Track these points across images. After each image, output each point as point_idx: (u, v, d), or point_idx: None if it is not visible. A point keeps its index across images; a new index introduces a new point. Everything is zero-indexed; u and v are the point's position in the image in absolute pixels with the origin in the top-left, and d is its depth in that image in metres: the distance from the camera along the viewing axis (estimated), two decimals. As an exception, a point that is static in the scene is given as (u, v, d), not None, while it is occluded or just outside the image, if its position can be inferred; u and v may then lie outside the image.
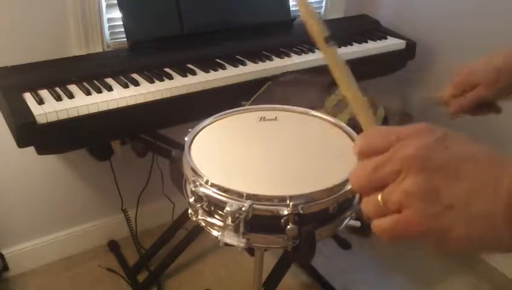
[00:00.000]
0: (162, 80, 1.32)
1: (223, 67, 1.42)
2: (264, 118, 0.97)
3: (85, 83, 1.28)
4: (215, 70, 1.40)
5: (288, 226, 0.71)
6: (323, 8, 2.01)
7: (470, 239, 0.36)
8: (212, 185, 0.75)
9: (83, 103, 1.18)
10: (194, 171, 0.78)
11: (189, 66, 1.42)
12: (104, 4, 1.49)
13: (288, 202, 0.71)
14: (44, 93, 1.22)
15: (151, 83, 1.31)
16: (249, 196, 0.72)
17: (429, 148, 0.37)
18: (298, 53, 1.58)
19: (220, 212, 0.75)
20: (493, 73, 0.77)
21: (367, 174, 0.39)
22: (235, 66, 1.44)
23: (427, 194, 0.36)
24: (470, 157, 0.37)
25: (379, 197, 0.38)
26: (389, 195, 0.38)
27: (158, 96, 1.28)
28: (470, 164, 0.37)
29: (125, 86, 1.28)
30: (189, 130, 0.91)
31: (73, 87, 1.26)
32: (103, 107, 1.20)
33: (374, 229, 0.40)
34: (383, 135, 0.40)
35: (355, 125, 0.97)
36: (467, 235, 0.36)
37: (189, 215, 0.81)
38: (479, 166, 0.37)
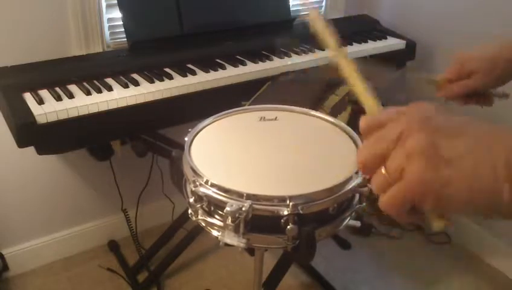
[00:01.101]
0: (162, 80, 1.32)
1: (223, 67, 1.42)
2: (264, 118, 0.97)
3: (85, 83, 1.28)
4: (215, 70, 1.40)
5: (288, 227, 0.71)
6: (323, 8, 2.01)
7: (470, 192, 0.36)
8: (212, 185, 0.75)
9: (83, 103, 1.18)
10: (194, 171, 0.78)
11: (189, 66, 1.42)
12: (104, 4, 1.49)
13: (288, 202, 0.71)
14: (44, 93, 1.22)
15: (151, 83, 1.31)
16: (249, 196, 0.72)
17: (428, 113, 0.39)
18: (298, 53, 1.58)
19: (220, 212, 0.75)
20: (489, 61, 0.78)
21: (370, 146, 0.40)
22: (235, 66, 1.44)
23: (427, 150, 0.37)
24: (468, 121, 0.39)
25: (383, 169, 0.39)
26: (391, 161, 0.38)
27: (158, 96, 1.28)
28: (469, 125, 0.38)
29: (125, 86, 1.28)
30: (189, 130, 0.91)
31: (73, 87, 1.26)
32: (103, 107, 1.20)
33: (381, 207, 0.39)
34: (385, 112, 0.42)
35: (355, 125, 0.97)
36: (467, 188, 0.36)
37: (189, 216, 0.81)
38: (477, 127, 0.38)
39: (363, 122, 0.42)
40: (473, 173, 0.36)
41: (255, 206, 0.71)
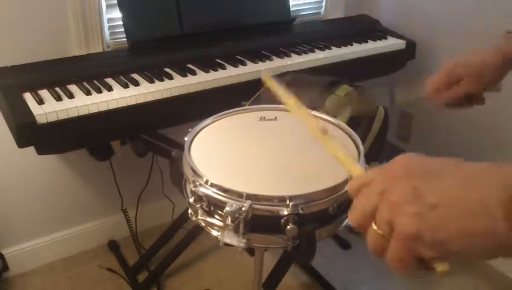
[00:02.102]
0: (162, 80, 1.32)
1: (223, 67, 1.42)
2: (264, 118, 0.97)
3: (85, 83, 1.28)
4: (215, 70, 1.40)
5: (288, 226, 0.71)
6: (323, 8, 2.01)
7: (463, 234, 0.35)
8: (212, 185, 0.75)
9: (83, 103, 1.18)
10: (194, 171, 0.78)
11: (189, 66, 1.42)
12: (104, 4, 1.49)
13: (288, 202, 0.71)
14: (44, 93, 1.22)
15: (151, 83, 1.31)
16: (249, 196, 0.72)
17: (409, 161, 0.40)
18: (298, 53, 1.58)
19: (219, 212, 0.75)
20: (478, 67, 0.78)
21: (359, 205, 0.42)
22: (235, 66, 1.44)
23: (410, 198, 0.37)
24: (450, 162, 0.39)
25: (373, 225, 0.40)
26: (379, 216, 0.39)
27: (158, 96, 1.28)
28: (451, 166, 0.38)
29: (125, 86, 1.28)
30: (189, 130, 0.91)
31: (73, 87, 1.26)
32: (103, 107, 1.20)
33: (392, 269, 0.40)
34: (369, 172, 0.44)
35: (355, 126, 0.97)
36: (458, 230, 0.35)
37: (189, 216, 0.81)
38: (460, 168, 0.38)
39: (350, 185, 0.44)
40: (462, 215, 0.35)
41: (254, 206, 0.71)
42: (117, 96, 1.23)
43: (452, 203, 0.35)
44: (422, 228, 0.36)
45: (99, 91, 1.24)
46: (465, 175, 0.37)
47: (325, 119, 0.96)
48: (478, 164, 0.37)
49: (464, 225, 0.34)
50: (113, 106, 1.22)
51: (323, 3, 2.00)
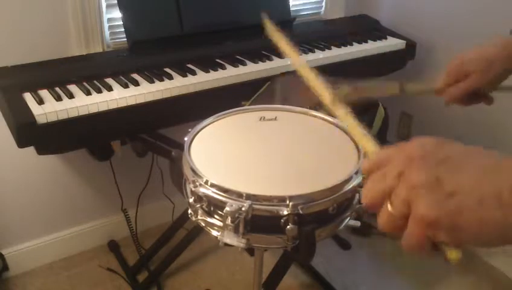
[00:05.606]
0: (162, 80, 1.32)
1: (223, 67, 1.42)
2: (264, 118, 0.97)
3: (85, 83, 1.28)
4: (215, 70, 1.40)
5: (288, 227, 0.71)
6: (323, 8, 2.01)
7: (480, 222, 0.36)
8: (212, 185, 0.75)
9: (83, 103, 1.18)
10: (194, 171, 0.78)
11: (189, 66, 1.42)
12: (104, 4, 1.49)
13: (287, 202, 0.71)
14: (44, 93, 1.22)
15: (151, 83, 1.31)
16: (249, 196, 0.72)
17: (428, 147, 0.40)
18: (298, 53, 1.58)
19: (219, 212, 0.75)
20: (485, 62, 0.78)
21: (374, 185, 0.41)
22: (235, 66, 1.44)
23: (430, 183, 0.37)
24: (469, 152, 0.39)
25: (388, 205, 0.40)
26: (396, 196, 0.39)
27: (158, 96, 1.28)
28: (470, 157, 0.39)
29: (125, 86, 1.28)
30: (189, 130, 0.91)
31: (73, 87, 1.26)
32: (103, 107, 1.20)
33: (406, 250, 0.40)
34: (384, 151, 0.43)
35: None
36: (476, 219, 0.36)
37: (189, 216, 0.81)
38: (479, 157, 0.39)
39: (364, 164, 0.44)
40: (478, 204, 0.36)
41: (254, 206, 0.71)
42: (117, 96, 1.23)
43: (469, 192, 0.36)
44: (440, 214, 0.37)
45: (99, 91, 1.24)
46: (483, 166, 0.38)
47: (325, 119, 0.96)
48: (495, 155, 0.38)
49: (479, 214, 0.36)
50: (113, 106, 1.22)
51: (323, 3, 2.00)
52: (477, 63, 0.78)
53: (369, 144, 0.51)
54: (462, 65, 0.80)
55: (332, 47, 1.66)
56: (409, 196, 0.38)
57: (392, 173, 0.40)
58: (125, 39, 1.46)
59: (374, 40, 1.78)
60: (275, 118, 0.97)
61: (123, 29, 1.46)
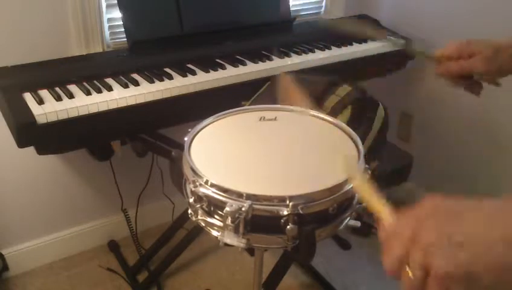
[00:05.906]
0: (162, 80, 1.32)
1: (223, 67, 1.42)
2: (264, 118, 0.97)
3: (85, 83, 1.28)
4: (215, 70, 1.40)
5: (288, 227, 0.71)
6: (323, 8, 2.01)
7: (491, 271, 0.36)
8: (212, 185, 0.75)
9: (83, 103, 1.18)
10: (194, 171, 0.78)
11: (189, 66, 1.42)
12: (104, 4, 1.49)
13: (287, 202, 0.71)
14: (44, 93, 1.22)
15: (151, 83, 1.31)
16: (249, 196, 0.72)
17: (436, 208, 0.41)
18: (298, 53, 1.58)
19: (219, 212, 0.75)
20: (492, 49, 0.77)
21: (390, 252, 0.42)
22: (235, 66, 1.44)
23: (440, 240, 0.38)
24: (469, 203, 0.40)
25: (408, 271, 0.41)
26: (412, 262, 0.40)
27: (158, 96, 1.28)
28: (470, 206, 0.40)
29: (125, 86, 1.28)
30: (189, 130, 0.91)
31: (73, 87, 1.26)
32: (103, 107, 1.20)
33: None
34: (398, 217, 0.45)
35: (355, 125, 0.97)
36: (486, 267, 0.36)
37: (189, 216, 0.81)
38: (479, 205, 0.40)
39: (381, 233, 0.45)
40: (487, 251, 0.36)
41: (254, 206, 0.71)
42: (117, 96, 1.23)
43: (476, 241, 0.37)
44: (453, 267, 0.37)
45: (99, 91, 1.24)
46: (486, 213, 0.39)
47: (325, 119, 0.96)
48: (496, 201, 0.39)
49: (490, 260, 0.36)
50: (113, 106, 1.22)
51: (323, 3, 2.01)
52: (485, 47, 0.78)
53: (383, 209, 0.51)
54: (469, 45, 0.80)
55: (332, 47, 1.66)
56: (424, 258, 0.39)
57: (404, 238, 0.41)
58: (125, 39, 1.46)
59: (374, 40, 1.78)
60: (275, 118, 0.97)
61: (123, 29, 1.46)
